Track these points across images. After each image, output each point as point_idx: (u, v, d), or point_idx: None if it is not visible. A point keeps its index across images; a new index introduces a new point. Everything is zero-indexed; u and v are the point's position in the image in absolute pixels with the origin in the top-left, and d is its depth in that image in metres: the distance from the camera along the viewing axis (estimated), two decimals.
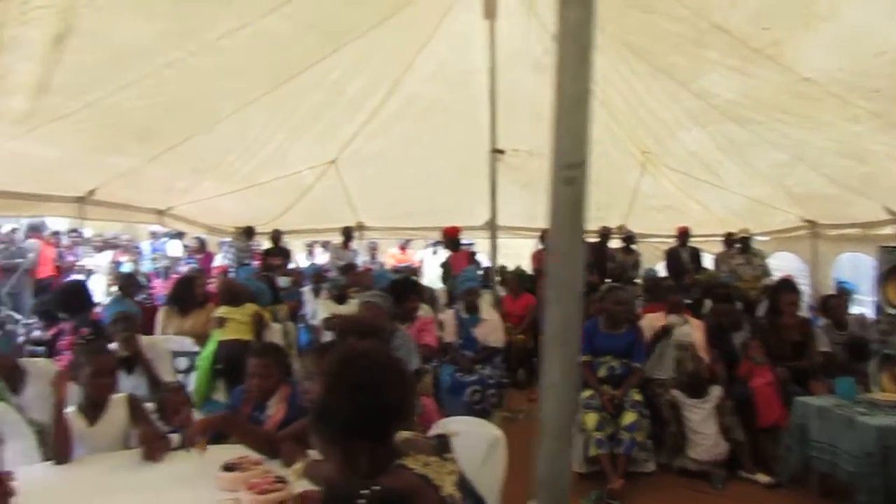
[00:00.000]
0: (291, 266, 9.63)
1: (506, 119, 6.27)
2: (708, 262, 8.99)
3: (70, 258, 10.36)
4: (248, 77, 5.46)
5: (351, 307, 6.29)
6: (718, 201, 8.51)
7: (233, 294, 5.34)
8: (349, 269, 8.18)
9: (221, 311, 5.19)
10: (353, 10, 5.21)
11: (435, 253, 11.45)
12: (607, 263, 8.68)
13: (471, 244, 9.71)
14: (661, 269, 9.07)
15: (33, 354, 4.94)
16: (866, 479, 3.60)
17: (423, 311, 5.65)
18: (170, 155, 6.23)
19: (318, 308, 7.08)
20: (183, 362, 4.86)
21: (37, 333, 5.76)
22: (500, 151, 6.46)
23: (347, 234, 9.83)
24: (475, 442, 2.66)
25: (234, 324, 5.09)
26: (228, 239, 10.50)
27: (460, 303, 5.91)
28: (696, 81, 5.60)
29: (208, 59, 4.67)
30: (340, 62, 5.91)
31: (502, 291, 7.46)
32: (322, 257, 12.19)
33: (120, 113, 4.95)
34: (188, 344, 5.09)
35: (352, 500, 1.42)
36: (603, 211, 8.50)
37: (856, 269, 8.26)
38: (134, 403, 3.08)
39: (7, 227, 9.49)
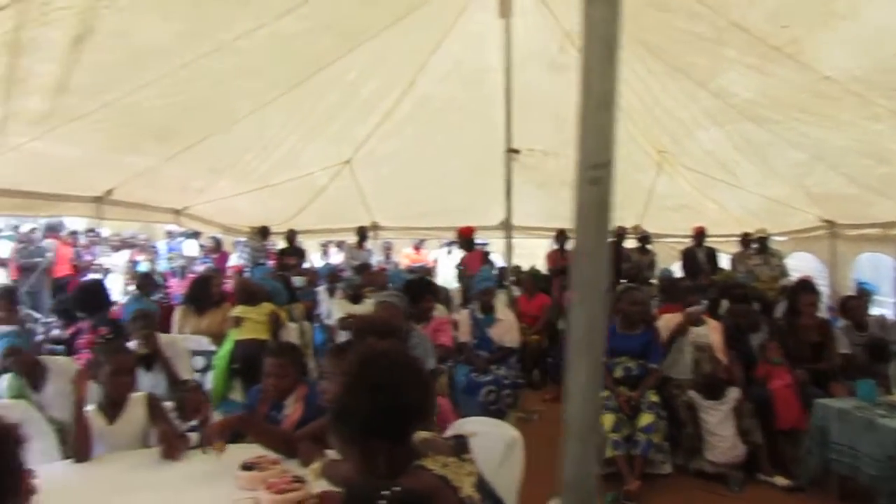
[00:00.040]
0: (306, 266, 9.66)
1: (521, 118, 6.25)
2: (724, 262, 8.92)
3: (88, 257, 10.45)
4: (264, 77, 5.48)
5: (366, 307, 6.30)
6: (735, 201, 8.44)
7: (249, 293, 5.36)
8: (364, 268, 8.19)
9: (238, 310, 5.20)
10: (368, 10, 5.21)
11: (449, 253, 11.45)
12: (622, 264, 8.63)
13: (485, 244, 9.70)
14: (677, 270, 9.02)
15: (52, 353, 4.98)
16: (888, 483, 3.56)
17: (438, 311, 5.65)
18: (187, 154, 6.27)
19: (333, 308, 7.10)
20: (200, 361, 4.88)
21: (55, 332, 5.81)
22: (516, 151, 6.45)
23: (362, 233, 9.85)
24: (492, 443, 2.65)
25: (251, 323, 5.10)
26: (244, 239, 10.55)
27: (475, 303, 5.90)
28: (713, 80, 5.55)
29: (225, 60, 4.69)
30: (356, 62, 5.93)
31: (517, 291, 7.45)
32: (337, 257, 12.23)
33: (138, 113, 4.99)
34: (205, 343, 5.12)
35: (372, 501, 1.43)
36: (618, 211, 8.41)
37: (876, 269, 8.16)
38: (153, 402, 3.10)
39: (26, 227, 9.59)
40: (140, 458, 2.83)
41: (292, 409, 3.06)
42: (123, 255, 11.52)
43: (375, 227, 10.55)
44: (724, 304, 6.30)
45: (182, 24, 4.12)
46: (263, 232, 9.88)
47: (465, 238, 8.42)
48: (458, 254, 9.04)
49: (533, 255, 9.71)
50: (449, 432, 2.66)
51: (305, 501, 2.20)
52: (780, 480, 4.36)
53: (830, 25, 4.12)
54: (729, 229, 8.96)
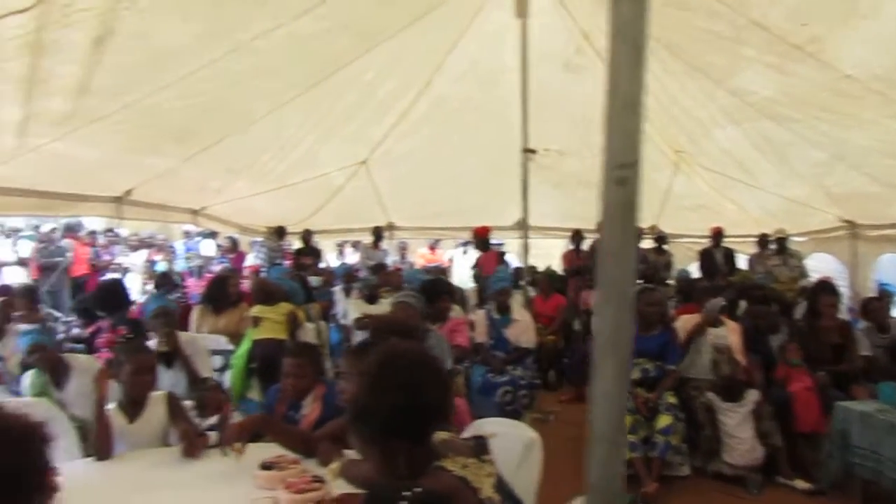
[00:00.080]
0: (322, 266, 9.70)
1: (537, 118, 6.24)
2: (742, 263, 8.84)
3: (106, 257, 10.56)
4: (282, 78, 5.50)
5: (382, 307, 6.32)
6: (754, 201, 8.37)
7: (267, 293, 5.39)
8: (380, 268, 8.21)
9: (256, 310, 5.23)
10: (386, 10, 5.22)
11: (465, 253, 11.45)
12: (639, 264, 8.58)
13: (500, 244, 9.68)
14: (694, 270, 8.96)
15: (72, 351, 5.03)
16: None
17: (454, 311, 5.65)
18: (205, 155, 6.31)
19: (349, 307, 7.13)
20: (217, 360, 4.91)
21: (76, 331, 5.87)
22: (532, 151, 6.43)
23: (378, 233, 9.87)
24: (511, 444, 2.64)
25: (269, 323, 5.13)
26: (260, 239, 10.61)
27: (491, 303, 5.89)
28: (731, 79, 5.51)
29: (244, 60, 4.71)
30: (373, 62, 5.94)
31: (532, 292, 7.43)
32: (352, 257, 12.27)
33: (157, 114, 5.03)
34: (223, 342, 5.15)
35: (394, 502, 1.42)
36: None
37: None
38: (172, 401, 3.12)
39: (47, 227, 9.71)
40: (160, 457, 2.85)
41: (310, 408, 3.07)
42: (141, 255, 11.64)
43: (391, 227, 10.57)
44: (742, 304, 6.25)
45: (201, 25, 4.15)
46: (280, 232, 9.93)
47: (481, 238, 8.41)
48: (474, 254, 9.04)
49: (548, 255, 9.69)
50: (467, 433, 2.66)
51: (324, 501, 2.21)
52: (801, 484, 4.31)
53: (851, 23, 4.07)
54: (747, 230, 8.89)
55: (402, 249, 11.27)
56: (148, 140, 5.66)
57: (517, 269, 7.78)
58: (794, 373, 4.76)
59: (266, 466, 2.47)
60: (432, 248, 12.15)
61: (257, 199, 8.75)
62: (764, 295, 6.01)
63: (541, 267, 8.81)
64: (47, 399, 3.59)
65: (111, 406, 3.01)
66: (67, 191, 6.16)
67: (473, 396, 5.08)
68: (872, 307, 5.55)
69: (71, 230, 10.00)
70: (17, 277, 8.63)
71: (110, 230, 11.19)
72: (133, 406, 3.04)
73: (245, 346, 5.00)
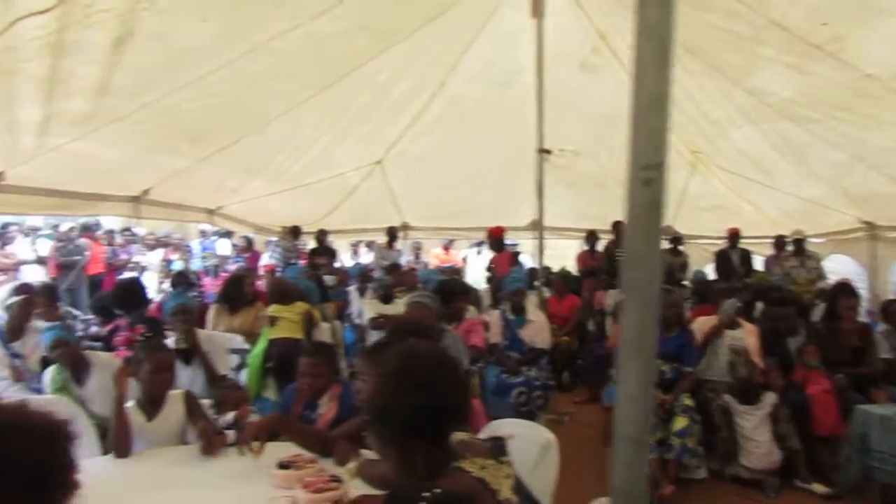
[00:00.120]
0: (336, 265, 9.73)
1: (552, 119, 6.22)
2: (758, 264, 8.77)
3: (124, 256, 10.66)
4: (298, 78, 5.53)
5: (396, 307, 6.33)
6: (771, 202, 8.29)
7: (283, 293, 5.40)
8: (394, 268, 8.23)
9: (272, 309, 5.25)
10: (402, 10, 5.22)
11: (479, 253, 11.44)
12: None
13: (515, 245, 9.67)
14: (710, 272, 8.89)
15: (90, 349, 5.08)
16: None
17: (469, 311, 5.65)
18: (221, 155, 6.36)
19: (363, 307, 7.15)
20: (234, 359, 4.93)
21: (94, 329, 5.92)
22: (547, 151, 6.41)
23: (392, 234, 9.89)
24: (527, 445, 2.64)
25: (285, 322, 5.14)
26: (275, 238, 10.67)
27: (506, 303, 5.88)
28: (750, 79, 5.46)
29: (261, 61, 4.74)
30: (388, 63, 5.95)
31: (547, 293, 7.41)
32: (366, 257, 12.30)
33: (176, 114, 5.07)
34: (239, 341, 5.17)
35: (413, 502, 1.42)
36: None
37: None
38: (190, 400, 3.14)
39: (65, 226, 9.81)
40: (178, 455, 2.88)
41: (326, 408, 3.09)
42: (158, 254, 11.72)
43: (405, 227, 10.59)
44: (759, 306, 6.20)
45: (219, 26, 4.18)
46: (295, 231, 9.98)
47: (496, 238, 8.40)
48: (488, 254, 9.03)
49: (563, 256, 9.66)
50: (484, 434, 2.66)
51: (342, 501, 2.21)
52: (819, 488, 4.27)
53: (872, 22, 4.03)
54: (764, 231, 8.81)
55: (417, 249, 11.28)
56: (166, 140, 5.71)
57: (531, 270, 7.76)
58: (813, 375, 4.71)
59: (283, 466, 2.49)
60: (446, 248, 12.15)
61: (273, 199, 8.80)
62: (781, 297, 5.95)
63: (555, 268, 8.79)
64: (67, 395, 3.63)
65: (130, 404, 3.03)
66: (86, 190, 6.22)
67: (488, 397, 5.08)
68: (892, 309, 5.48)
69: (87, 229, 10.09)
70: (37, 276, 8.71)
71: (127, 229, 11.27)
72: (151, 404, 3.07)
73: (261, 345, 5.02)
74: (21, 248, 9.63)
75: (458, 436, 1.72)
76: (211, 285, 9.92)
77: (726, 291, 6.07)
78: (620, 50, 5.90)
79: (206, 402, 3.32)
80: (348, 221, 10.32)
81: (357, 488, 2.22)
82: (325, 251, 9.72)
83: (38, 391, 3.94)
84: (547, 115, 6.15)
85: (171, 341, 4.12)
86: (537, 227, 6.80)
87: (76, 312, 6.83)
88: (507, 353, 5.51)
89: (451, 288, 5.29)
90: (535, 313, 5.88)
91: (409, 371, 1.64)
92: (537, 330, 5.71)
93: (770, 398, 4.50)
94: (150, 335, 4.13)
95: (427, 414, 1.60)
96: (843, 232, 8.07)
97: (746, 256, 8.67)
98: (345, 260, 11.46)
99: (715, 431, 4.53)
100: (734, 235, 8.63)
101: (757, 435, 4.40)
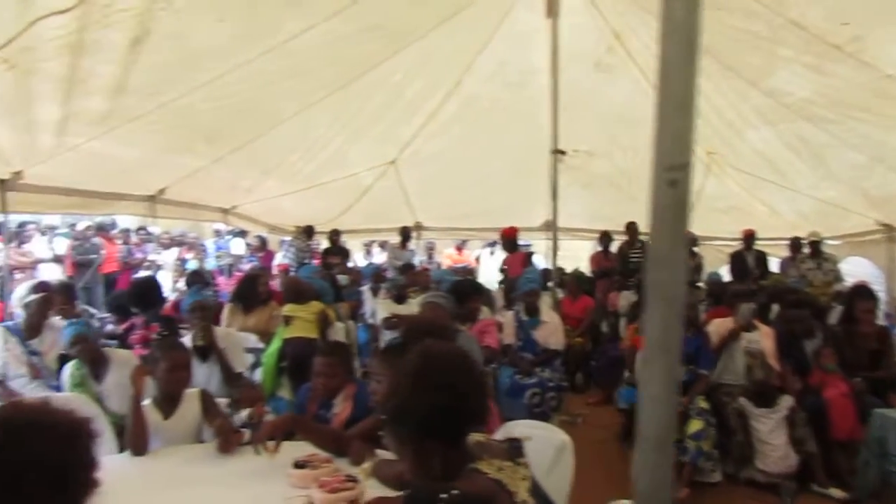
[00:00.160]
0: (350, 265, 9.74)
1: (566, 119, 6.20)
2: (774, 266, 8.69)
3: (139, 255, 10.73)
4: (313, 79, 5.55)
5: (410, 307, 6.33)
6: (787, 203, 8.23)
7: (298, 292, 5.42)
8: (408, 268, 8.23)
9: (287, 308, 5.26)
10: (416, 10, 5.23)
11: (492, 253, 11.43)
12: None
13: (528, 245, 9.64)
14: (725, 273, 8.83)
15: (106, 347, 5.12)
16: None
17: (483, 312, 5.64)
18: (236, 155, 6.39)
19: (377, 307, 7.15)
20: (249, 358, 4.95)
21: (110, 327, 5.96)
22: (562, 152, 6.39)
23: (405, 234, 9.89)
24: (542, 447, 2.62)
25: (300, 321, 5.15)
26: (288, 238, 10.70)
27: (520, 304, 5.86)
28: (767, 80, 5.42)
29: (276, 61, 4.76)
30: (402, 63, 5.96)
31: (560, 293, 7.39)
32: (379, 257, 12.31)
33: (192, 115, 5.10)
34: (253, 340, 5.19)
35: (431, 503, 1.42)
36: None
37: None
38: (206, 398, 3.16)
39: (82, 225, 9.89)
40: (194, 453, 2.88)
41: (341, 407, 3.09)
42: (172, 253, 11.79)
43: (419, 227, 10.59)
44: (775, 308, 6.14)
45: (235, 26, 4.20)
46: (308, 231, 10.00)
47: (509, 239, 8.37)
48: (501, 255, 9.01)
49: (576, 257, 9.64)
50: (499, 435, 2.65)
51: (358, 501, 2.21)
52: (836, 492, 4.22)
53: (893, 23, 3.99)
54: (780, 232, 8.74)
55: (430, 250, 11.28)
56: (182, 140, 5.75)
57: (545, 271, 7.74)
58: (830, 379, 4.65)
59: (299, 465, 2.49)
60: (459, 248, 12.14)
61: (286, 199, 8.84)
62: (797, 299, 5.90)
63: (569, 269, 8.76)
64: (86, 391, 3.66)
65: (146, 402, 3.05)
66: (104, 189, 6.28)
67: (501, 398, 5.06)
68: None
69: (102, 228, 10.17)
70: (54, 274, 8.79)
71: (142, 228, 11.35)
72: (168, 402, 3.08)
73: (276, 344, 5.03)
74: (38, 246, 9.71)
75: (475, 437, 1.72)
76: (225, 284, 9.96)
77: (741, 293, 6.02)
78: (636, 50, 5.88)
79: (222, 400, 3.33)
80: (362, 221, 10.34)
81: (372, 488, 2.22)
82: (338, 251, 9.74)
83: (56, 388, 3.97)
84: (561, 115, 6.14)
85: (187, 339, 4.14)
86: (551, 227, 6.79)
87: (92, 311, 6.88)
88: (521, 354, 5.50)
89: (465, 288, 5.29)
90: (548, 314, 5.86)
91: (428, 371, 1.63)
92: (551, 331, 5.68)
93: (786, 401, 4.46)
94: (166, 333, 4.15)
95: (445, 414, 1.59)
96: (861, 234, 8.00)
97: (762, 258, 8.61)
98: (358, 260, 11.47)
99: (730, 435, 4.49)
100: (749, 237, 8.57)
101: (773, 438, 4.35)
